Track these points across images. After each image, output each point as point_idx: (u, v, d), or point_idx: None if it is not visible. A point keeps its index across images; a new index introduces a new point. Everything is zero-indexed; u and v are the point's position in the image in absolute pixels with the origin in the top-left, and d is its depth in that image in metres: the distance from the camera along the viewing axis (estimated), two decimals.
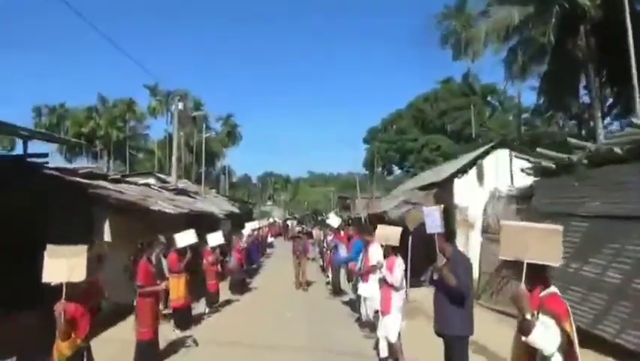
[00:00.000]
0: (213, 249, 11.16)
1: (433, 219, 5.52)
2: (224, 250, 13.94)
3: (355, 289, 11.17)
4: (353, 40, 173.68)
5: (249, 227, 18.26)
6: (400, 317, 6.72)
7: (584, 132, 23.31)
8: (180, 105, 23.42)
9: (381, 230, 7.15)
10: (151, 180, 20.18)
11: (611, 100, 22.16)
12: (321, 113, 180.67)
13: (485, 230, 12.45)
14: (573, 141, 9.23)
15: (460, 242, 12.99)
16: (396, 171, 51.36)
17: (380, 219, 16.35)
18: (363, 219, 21.56)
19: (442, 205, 6.10)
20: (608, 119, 23.00)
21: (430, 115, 45.45)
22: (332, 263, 13.95)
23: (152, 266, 7.13)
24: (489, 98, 48.25)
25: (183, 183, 24.06)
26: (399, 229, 6.94)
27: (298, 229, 14.84)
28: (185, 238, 9.65)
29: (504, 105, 48.27)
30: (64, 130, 52.92)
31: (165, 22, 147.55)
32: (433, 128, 45.68)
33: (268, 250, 28.02)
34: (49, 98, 64.68)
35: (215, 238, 11.02)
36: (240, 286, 13.85)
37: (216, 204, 23.24)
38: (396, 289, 6.81)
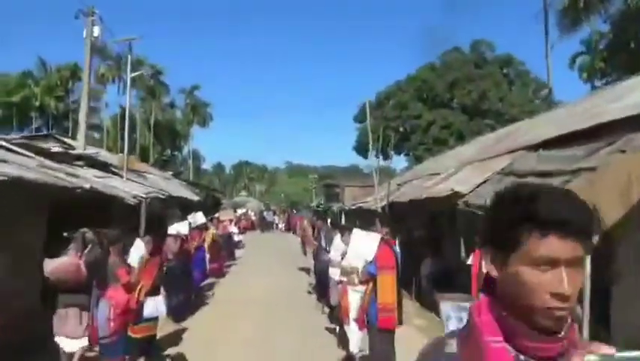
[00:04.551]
0: None
1: None
2: (104, 278, 5.59)
3: None
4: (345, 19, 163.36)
5: (181, 226, 9.64)
6: None
7: None
8: (96, 32, 14.84)
9: None
10: (50, 145, 12.71)
11: None
12: (305, 100, 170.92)
13: None
14: None
15: None
16: (395, 156, 43.32)
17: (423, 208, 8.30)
18: (384, 210, 13.51)
19: None
20: None
21: (438, 87, 37.54)
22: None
23: None
24: (505, 70, 40.81)
25: (95, 152, 15.49)
26: None
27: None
28: None
29: (522, 78, 40.84)
30: None
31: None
32: (440, 103, 37.85)
33: (236, 253, 19.73)
34: None
35: None
36: None
37: (156, 186, 14.78)
38: None
